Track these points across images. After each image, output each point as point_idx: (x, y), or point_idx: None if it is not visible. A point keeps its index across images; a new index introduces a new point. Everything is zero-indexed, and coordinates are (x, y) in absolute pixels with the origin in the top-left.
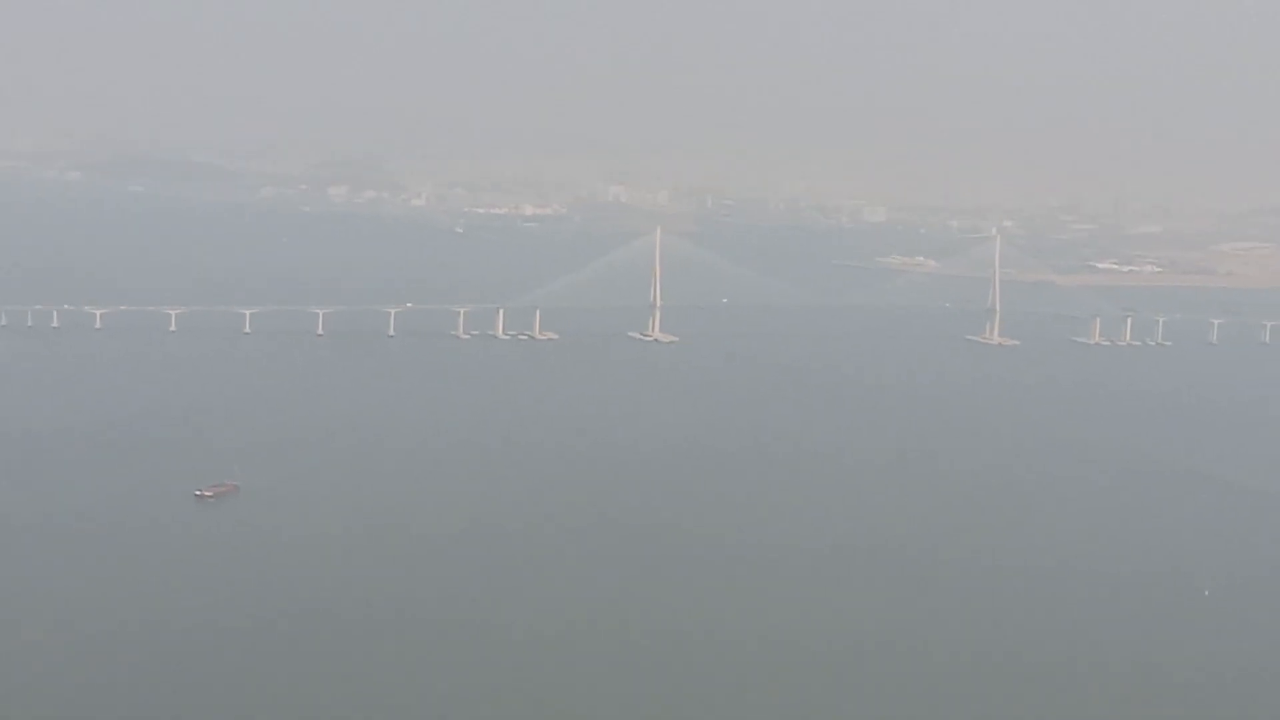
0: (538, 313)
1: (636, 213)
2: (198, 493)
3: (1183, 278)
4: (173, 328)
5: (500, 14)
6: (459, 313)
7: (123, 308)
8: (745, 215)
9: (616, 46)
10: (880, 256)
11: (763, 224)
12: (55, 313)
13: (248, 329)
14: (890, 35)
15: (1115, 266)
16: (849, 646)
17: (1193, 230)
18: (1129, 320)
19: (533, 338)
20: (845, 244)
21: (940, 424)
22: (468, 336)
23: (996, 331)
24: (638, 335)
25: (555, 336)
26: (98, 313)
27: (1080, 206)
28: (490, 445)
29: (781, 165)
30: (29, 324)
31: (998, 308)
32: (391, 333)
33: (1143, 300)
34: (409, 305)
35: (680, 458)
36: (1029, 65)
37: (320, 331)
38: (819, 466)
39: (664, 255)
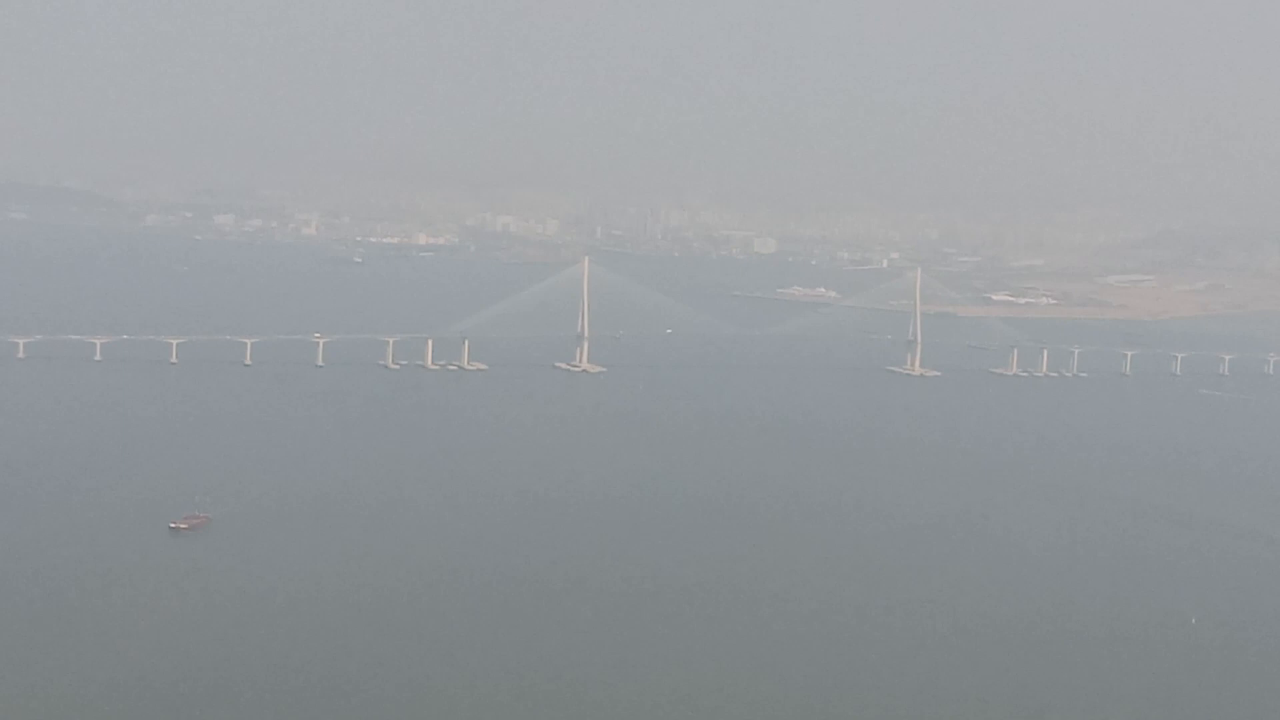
0: (466, 343)
1: (527, 242)
2: (172, 525)
3: (1077, 310)
4: (98, 357)
5: (362, 42)
6: (388, 343)
7: (39, 337)
8: (633, 245)
9: (486, 76)
10: (781, 288)
11: (651, 254)
12: None
13: (174, 359)
14: (762, 66)
15: (1010, 298)
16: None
17: (1073, 263)
18: (1045, 352)
19: (462, 368)
20: (741, 275)
21: (885, 460)
22: (397, 366)
23: (918, 362)
24: (565, 366)
25: (484, 367)
26: (20, 341)
27: (959, 238)
28: (441, 481)
29: (660, 195)
30: None
31: (919, 339)
32: (320, 363)
33: (1043, 332)
34: (336, 335)
35: (624, 501)
36: (900, 94)
37: (248, 361)
38: (760, 509)
39: (583, 287)
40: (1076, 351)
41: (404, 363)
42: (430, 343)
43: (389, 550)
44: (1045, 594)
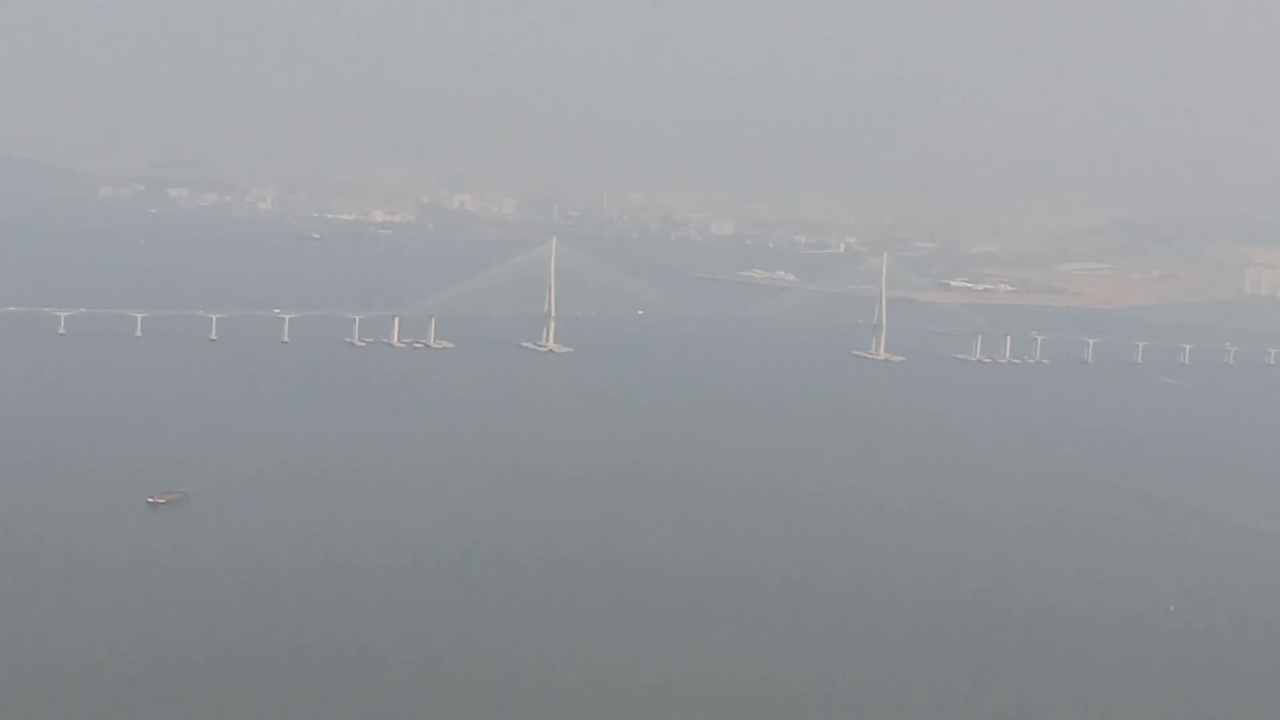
0: (433, 321)
1: (483, 221)
2: (150, 500)
3: (1034, 296)
4: (62, 330)
5: (322, 17)
6: (354, 320)
7: (12, 309)
8: (591, 225)
9: (444, 51)
10: (741, 270)
11: (608, 234)
12: None
13: (138, 332)
14: (717, 49)
15: (969, 285)
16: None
17: (1029, 250)
18: (1008, 339)
19: (428, 346)
20: (700, 257)
21: (856, 444)
22: (363, 344)
23: (883, 348)
24: (531, 345)
25: (450, 345)
26: None
27: (914, 224)
28: (414, 457)
29: (617, 176)
30: None
31: (884, 324)
32: (286, 338)
33: (1002, 318)
34: (301, 312)
35: (594, 480)
36: (856, 76)
37: (213, 336)
38: (730, 490)
39: (546, 266)
40: (1039, 339)
41: (370, 340)
42: (397, 320)
43: (364, 526)
44: (1022, 578)
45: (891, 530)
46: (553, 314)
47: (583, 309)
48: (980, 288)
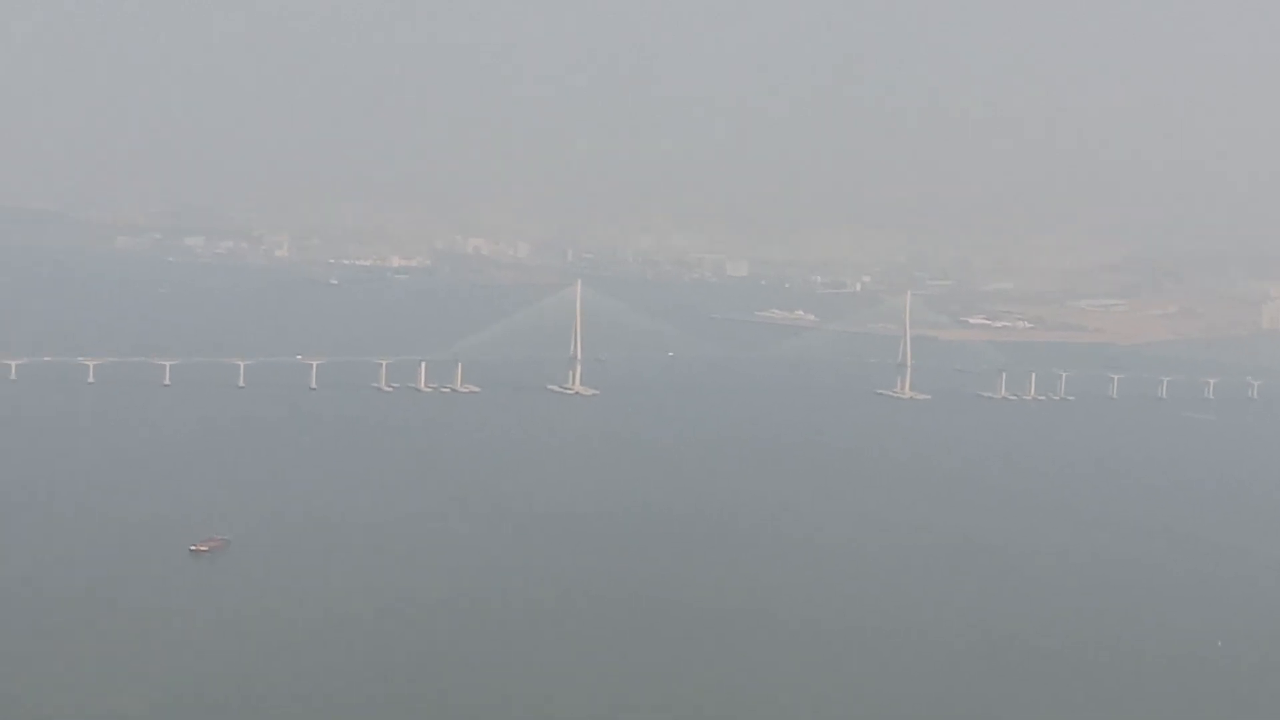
0: (459, 365)
1: (499, 265)
2: (192, 548)
3: (1052, 333)
4: (91, 379)
5: (325, 65)
6: (380, 365)
7: (28, 359)
8: (606, 268)
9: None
10: (759, 310)
11: (623, 277)
12: None
13: (167, 381)
14: (721, 84)
15: (987, 322)
16: None
17: (1043, 287)
18: (1033, 376)
19: (455, 390)
20: (716, 298)
21: (888, 483)
22: (390, 389)
23: (908, 386)
24: (557, 388)
25: (477, 389)
26: (12, 364)
27: (927, 262)
28: (448, 503)
29: (627, 218)
30: None
31: (909, 362)
32: (313, 385)
33: (1022, 355)
34: (327, 358)
35: (625, 523)
36: (861, 110)
37: (241, 383)
38: (762, 532)
39: (570, 309)
40: (1064, 375)
41: (397, 385)
42: (423, 365)
43: (402, 572)
44: (1062, 618)
45: (927, 572)
46: (579, 357)
47: (606, 351)
48: (998, 325)
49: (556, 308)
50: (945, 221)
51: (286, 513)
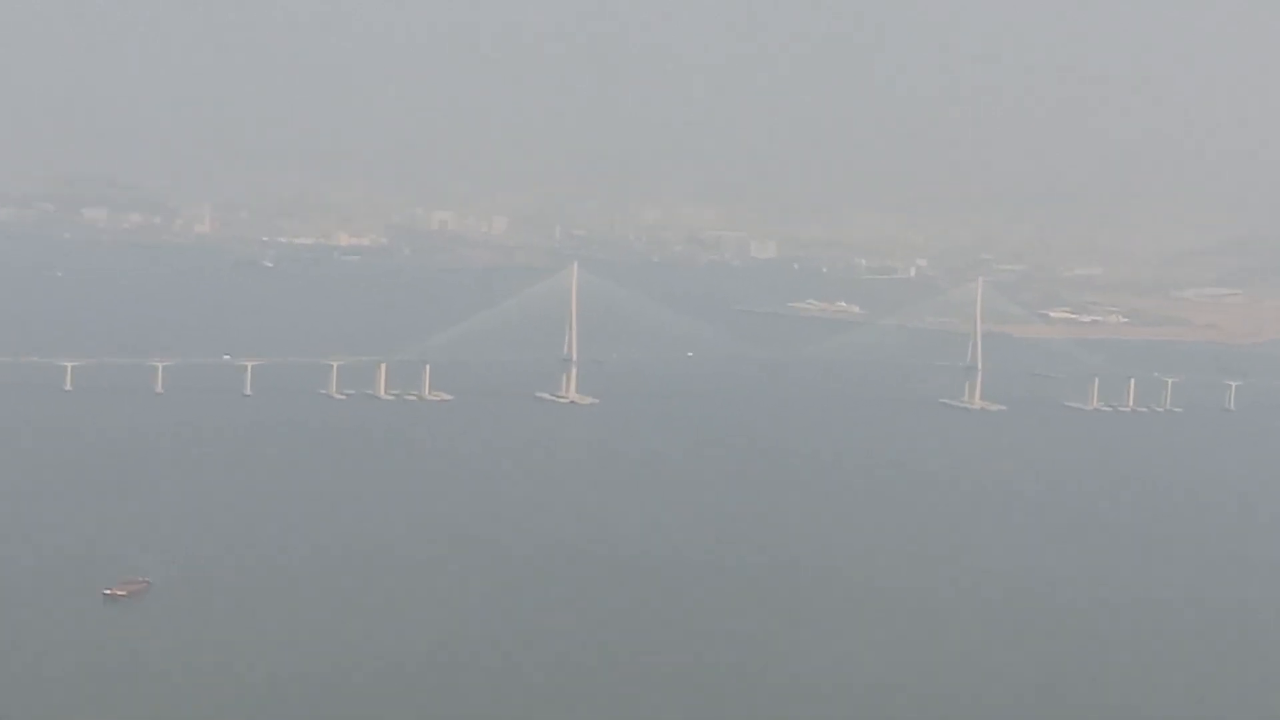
0: (427, 368)
1: (471, 243)
2: (107, 591)
3: (1153, 330)
4: None
5: (248, 6)
6: (331, 367)
7: None
8: (601, 248)
9: (405, 44)
10: (793, 301)
11: (624, 259)
12: None
13: (68, 385)
14: (747, 35)
15: (1072, 315)
16: None
17: (1139, 273)
18: (1131, 382)
19: (422, 399)
20: (740, 285)
21: (959, 518)
22: (343, 396)
23: (978, 394)
24: (548, 396)
25: (449, 397)
26: None
27: (996, 243)
28: (410, 539)
29: (627, 188)
30: None
31: (979, 365)
32: (249, 391)
33: (1118, 356)
34: (265, 358)
35: (634, 567)
36: (917, 68)
37: (160, 389)
38: (809, 581)
39: (563, 299)
40: (1169, 382)
41: (351, 392)
42: (383, 367)
43: (350, 623)
44: (1213, 687)
45: (1023, 630)
46: (574, 357)
47: (609, 350)
48: (1086, 319)
49: (546, 297)
50: (1015, 195)
51: (218, 549)
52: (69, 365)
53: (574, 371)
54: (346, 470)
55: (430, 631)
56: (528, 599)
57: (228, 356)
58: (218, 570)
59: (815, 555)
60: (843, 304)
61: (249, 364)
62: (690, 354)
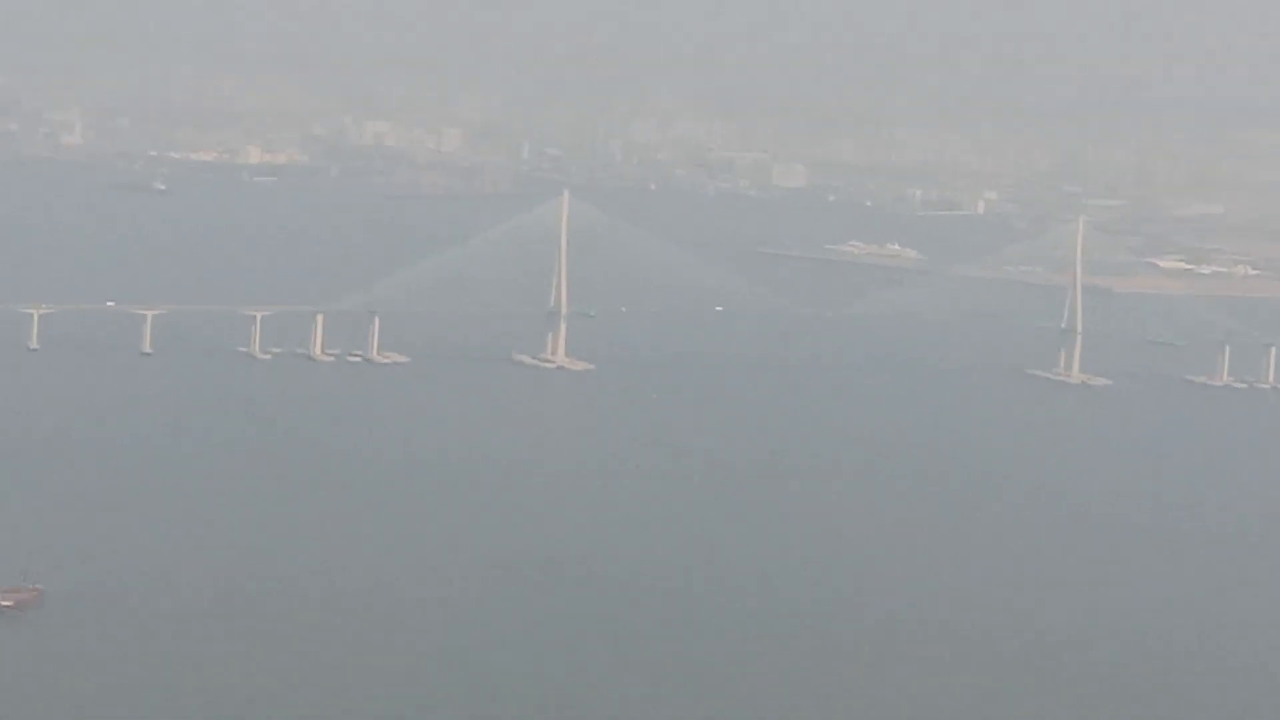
0: (376, 321)
1: (416, 164)
2: None
3: None
4: None
5: None
6: (253, 319)
7: None
8: (582, 172)
9: None
10: (832, 243)
11: (613, 188)
12: None
13: None
14: None
15: (1187, 265)
16: None
17: (1272, 213)
18: (1272, 351)
19: (369, 360)
20: (762, 220)
21: (1063, 541)
22: (268, 356)
23: (1077, 364)
24: (529, 359)
25: (404, 359)
26: None
27: (1084, 171)
28: (348, 546)
29: (613, 95)
30: None
31: (1079, 329)
32: (148, 348)
33: (1251, 317)
34: (168, 306)
35: (642, 594)
36: None
37: (34, 344)
38: (867, 619)
39: (547, 236)
40: None
41: (278, 350)
42: (320, 320)
43: (270, 644)
44: None
45: (1168, 691)
46: (564, 311)
47: (612, 303)
48: (1206, 270)
49: (524, 233)
50: (1107, 107)
51: (123, 550)
52: None
53: (563, 329)
54: (273, 454)
55: (386, 668)
56: (507, 638)
57: (112, 303)
58: (125, 576)
59: (868, 582)
60: (895, 247)
61: (148, 313)
62: (719, 309)
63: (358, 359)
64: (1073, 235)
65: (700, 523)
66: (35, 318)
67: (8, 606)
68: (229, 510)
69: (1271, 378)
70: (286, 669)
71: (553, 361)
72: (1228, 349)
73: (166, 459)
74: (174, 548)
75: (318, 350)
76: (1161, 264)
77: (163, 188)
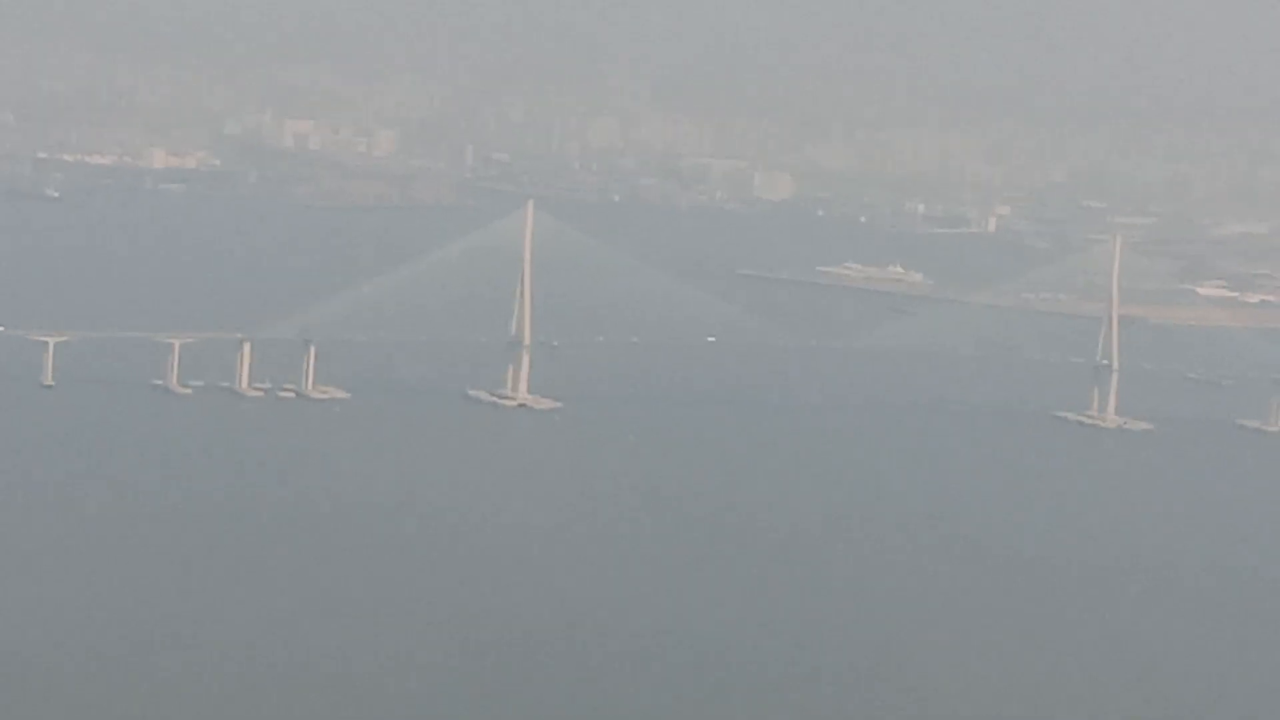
0: (311, 351)
1: (345, 168)
2: None
3: None
4: None
5: None
6: (171, 347)
7: None
8: (534, 180)
9: None
10: (824, 265)
11: (568, 195)
12: None
13: None
14: None
15: (1228, 293)
16: None
17: None
18: None
19: (302, 395)
20: (743, 238)
21: (1131, 616)
22: (187, 390)
23: (1113, 406)
24: (486, 395)
25: (343, 395)
26: None
27: (1107, 183)
28: (277, 636)
29: (568, 93)
30: None
31: (1115, 364)
32: (49, 380)
33: None
34: (72, 333)
35: (624, 683)
36: None
37: None
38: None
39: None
40: None
41: (199, 383)
42: (246, 348)
43: None
44: None
45: None
46: (527, 340)
47: (568, 330)
48: (1254, 299)
49: (481, 250)
50: (1133, 111)
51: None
52: None
53: (525, 361)
54: (187, 507)
55: None
56: None
57: (2, 328)
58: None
59: (889, 689)
60: (898, 269)
61: (49, 340)
62: (711, 339)
63: (290, 394)
64: (1103, 257)
65: (682, 585)
66: None
67: None
68: (130, 567)
69: None
70: None
71: (514, 398)
72: None
73: (66, 507)
74: (55, 612)
75: (244, 384)
76: (1201, 291)
77: (56, 195)
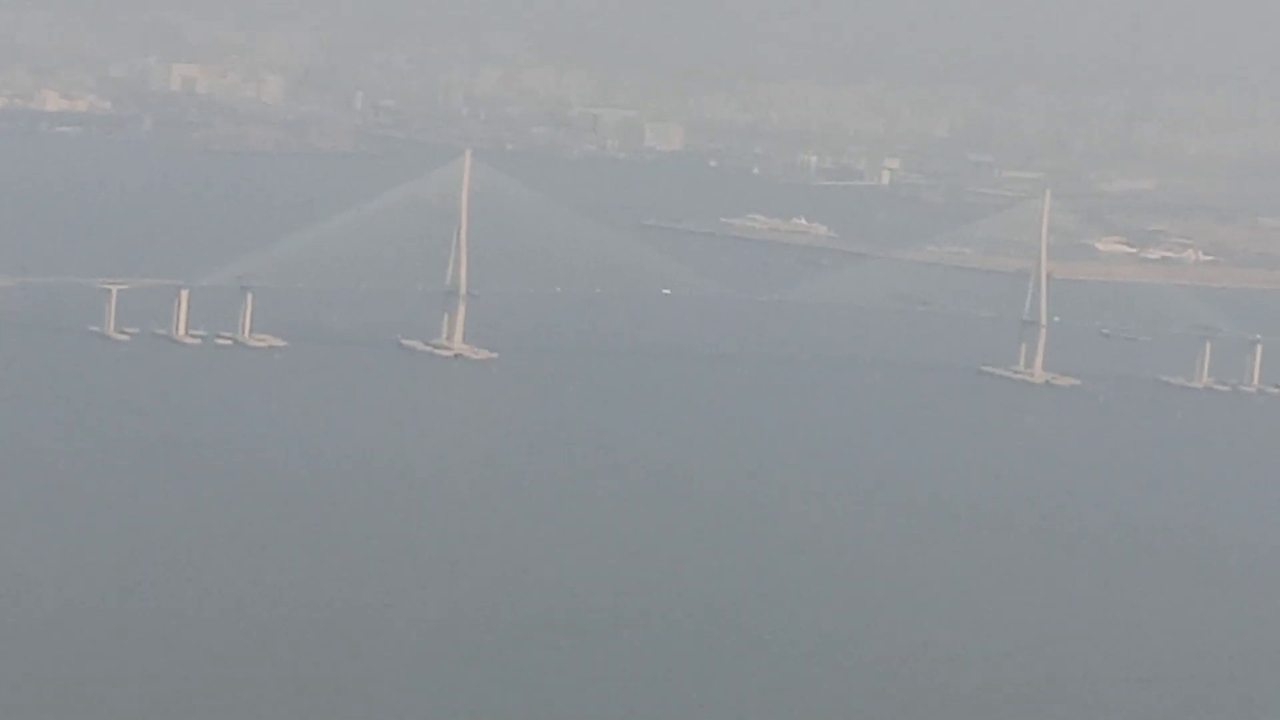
0: (249, 299)
1: (238, 114)
2: None
3: (1250, 273)
4: None
5: None
6: (108, 293)
7: None
8: (424, 127)
9: None
10: (727, 216)
11: (459, 143)
12: None
13: None
14: None
15: (1125, 247)
16: None
17: (1208, 188)
18: (1258, 349)
19: (239, 342)
20: (639, 187)
21: (1087, 575)
22: (124, 336)
23: (1040, 361)
24: (421, 345)
25: (279, 343)
26: None
27: (988, 137)
28: (213, 592)
29: (451, 38)
30: None
31: (1043, 320)
32: None
33: (1215, 308)
34: (7, 279)
35: (565, 646)
36: None
37: None
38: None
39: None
40: None
41: (135, 330)
42: (184, 296)
43: None
44: None
45: None
46: (463, 290)
47: (498, 280)
48: (1154, 255)
49: (414, 198)
50: (1011, 64)
51: None
52: None
53: (461, 311)
54: (124, 453)
55: None
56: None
57: None
58: None
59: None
60: (802, 221)
61: None
62: (667, 291)
63: (227, 341)
64: (1043, 210)
65: (618, 540)
66: None
67: None
68: (63, 515)
69: (1257, 379)
70: None
71: (449, 348)
72: (1208, 346)
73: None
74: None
75: (181, 331)
76: (1100, 246)
77: None
